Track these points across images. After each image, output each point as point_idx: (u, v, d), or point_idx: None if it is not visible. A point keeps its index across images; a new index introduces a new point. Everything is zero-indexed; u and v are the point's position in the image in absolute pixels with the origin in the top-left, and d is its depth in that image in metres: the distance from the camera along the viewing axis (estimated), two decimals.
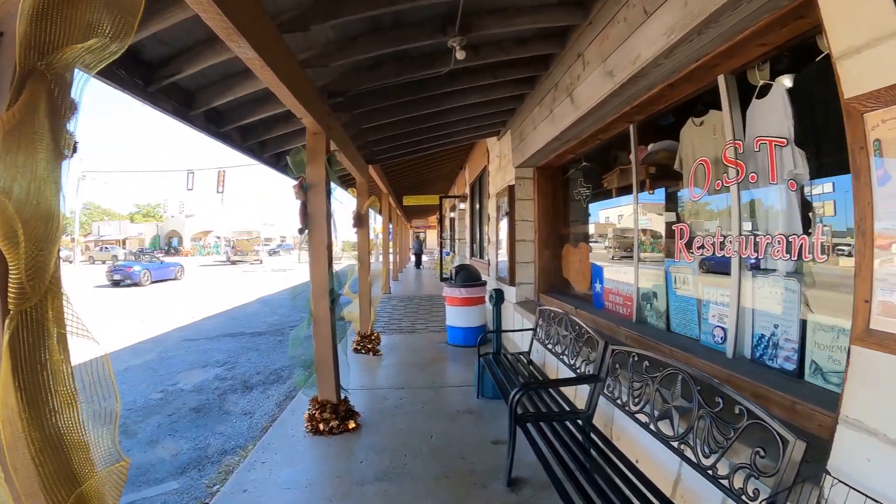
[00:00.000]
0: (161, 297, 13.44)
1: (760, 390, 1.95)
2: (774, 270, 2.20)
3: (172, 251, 42.26)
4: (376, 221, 10.12)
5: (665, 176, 3.44)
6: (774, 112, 2.21)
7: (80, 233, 47.99)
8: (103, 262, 30.65)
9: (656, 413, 2.07)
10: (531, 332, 3.98)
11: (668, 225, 3.28)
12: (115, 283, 16.71)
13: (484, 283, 5.69)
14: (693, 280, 2.85)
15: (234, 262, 29.67)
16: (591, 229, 4.50)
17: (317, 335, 3.26)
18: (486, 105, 4.61)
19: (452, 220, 13.41)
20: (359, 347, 5.45)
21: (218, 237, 44.73)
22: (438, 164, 9.38)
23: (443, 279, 10.33)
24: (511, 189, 5.19)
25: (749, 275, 2.37)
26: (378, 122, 4.28)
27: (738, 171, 2.36)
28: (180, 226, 44.36)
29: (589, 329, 2.92)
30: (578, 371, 2.93)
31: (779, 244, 2.12)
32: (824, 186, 2.03)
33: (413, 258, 23.07)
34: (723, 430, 1.64)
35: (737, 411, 1.61)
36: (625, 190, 3.92)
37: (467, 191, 9.53)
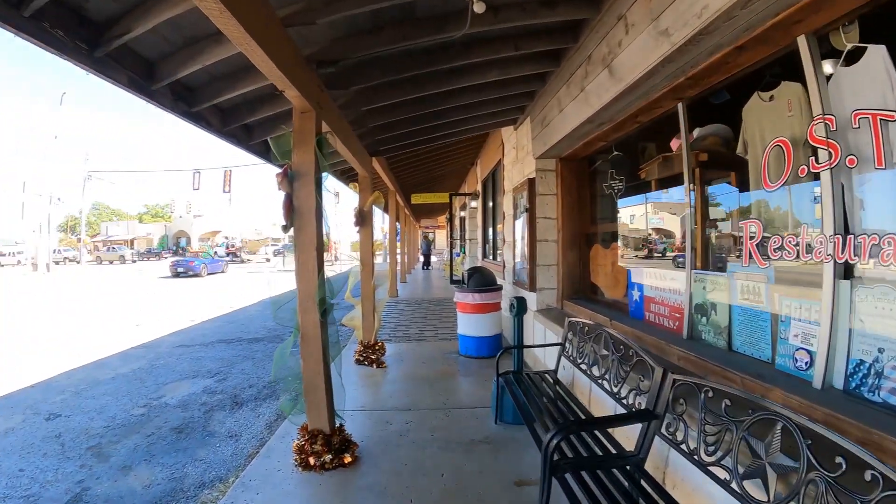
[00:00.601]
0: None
1: (872, 436, 1.46)
2: (883, 280, 1.65)
3: (181, 251, 42.20)
4: (384, 221, 9.61)
5: (717, 165, 2.90)
6: (874, 80, 1.69)
7: (89, 233, 48.29)
8: (110, 262, 30.79)
9: (741, 469, 1.53)
10: (558, 347, 3.43)
11: (726, 222, 2.74)
12: (177, 275, 21.13)
13: (500, 288, 5.15)
14: (766, 290, 2.29)
15: (244, 260, 29.71)
16: (625, 227, 3.94)
17: (305, 354, 2.74)
18: (504, 86, 4.06)
19: (463, 220, 12.85)
20: (361, 359, 4.93)
21: (226, 237, 44.61)
22: (448, 159, 8.85)
23: (453, 282, 9.79)
24: (531, 183, 4.64)
25: (846, 285, 1.81)
26: (380, 103, 3.75)
27: (830, 153, 1.82)
28: (188, 226, 44.29)
29: (638, 350, 2.36)
30: (624, 401, 2.37)
31: (890, 246, 1.59)
32: None
33: (421, 259, 22.52)
34: None
35: (868, 477, 1.13)
36: (667, 182, 3.37)
37: (479, 188, 8.98)
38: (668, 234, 3.44)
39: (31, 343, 7.56)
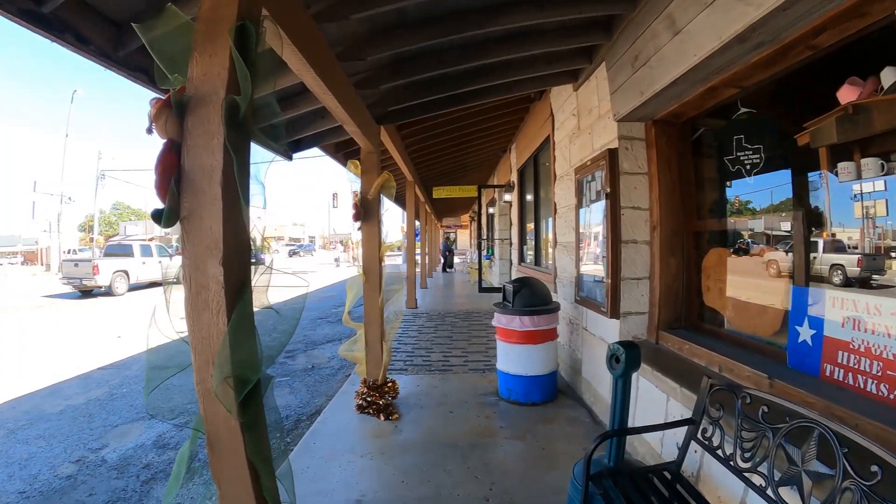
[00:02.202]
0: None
1: None
2: None
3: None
4: (403, 220, 8.16)
5: None
6: None
7: (110, 233, 48.47)
8: None
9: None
10: (686, 425, 1.95)
11: None
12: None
13: (557, 308, 3.68)
14: None
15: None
16: (772, 223, 2.48)
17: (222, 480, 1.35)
18: (563, 29, 2.62)
19: (491, 217, 11.34)
20: (364, 404, 3.53)
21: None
22: (475, 144, 7.39)
23: (482, 290, 8.31)
24: (611, 157, 3.16)
25: None
26: (392, 50, 2.35)
27: None
28: None
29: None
30: None
31: None
32: None
33: (441, 260, 20.99)
34: None
35: None
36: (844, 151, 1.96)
37: (514, 178, 7.49)
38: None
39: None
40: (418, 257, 13.39)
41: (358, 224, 3.37)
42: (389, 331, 3.62)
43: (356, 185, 3.41)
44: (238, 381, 1.31)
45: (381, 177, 3.29)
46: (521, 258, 7.20)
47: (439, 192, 9.67)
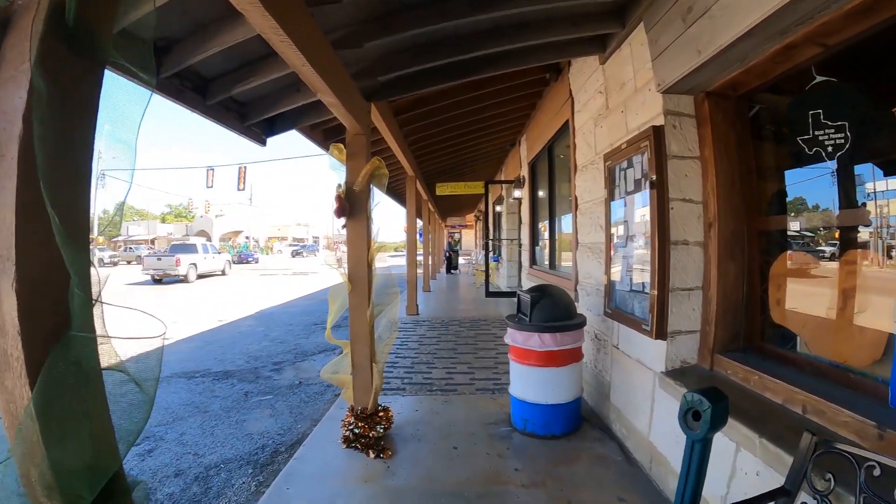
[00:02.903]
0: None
1: None
2: None
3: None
4: (408, 222, 7.53)
5: None
6: None
7: (112, 233, 48.12)
8: (127, 263, 30.22)
9: None
10: (776, 498, 1.34)
11: None
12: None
13: (583, 323, 3.06)
14: None
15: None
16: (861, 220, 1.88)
17: None
18: None
19: (498, 216, 10.70)
20: (352, 437, 2.94)
21: (247, 237, 43.63)
22: (482, 137, 6.79)
23: (490, 294, 7.70)
24: (657, 136, 2.55)
25: None
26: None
27: None
28: (209, 226, 43.48)
29: None
30: None
31: None
32: None
33: (444, 261, 20.32)
34: None
35: None
36: None
37: (524, 173, 6.87)
38: None
39: None
40: (420, 258, 12.81)
41: (343, 221, 2.77)
42: (382, 350, 3.02)
43: (341, 173, 2.82)
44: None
45: (371, 163, 2.69)
46: (533, 260, 6.57)
47: (443, 189, 9.06)
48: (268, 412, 4.27)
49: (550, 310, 2.90)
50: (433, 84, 3.08)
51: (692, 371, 2.59)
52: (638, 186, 2.75)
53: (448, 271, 18.97)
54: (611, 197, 3.10)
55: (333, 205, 2.63)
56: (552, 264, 5.36)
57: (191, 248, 19.27)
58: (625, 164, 2.91)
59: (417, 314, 7.36)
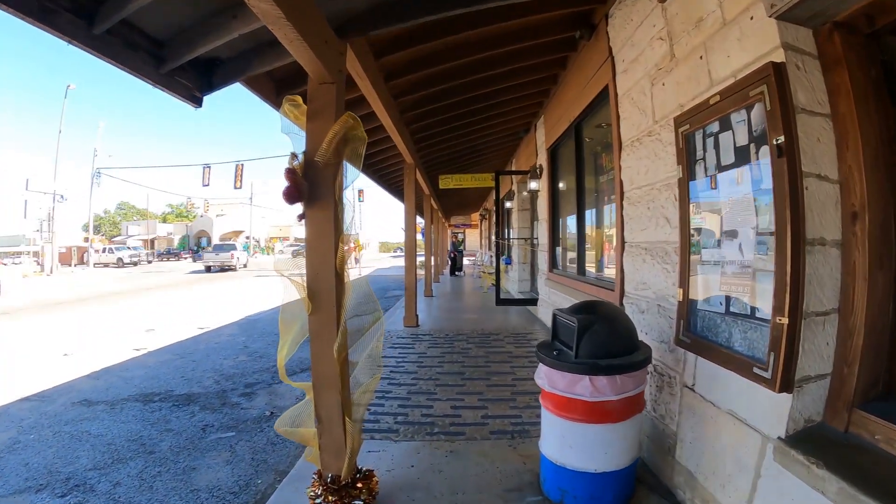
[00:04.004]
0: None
1: None
2: None
3: (201, 251, 40.32)
4: (406, 219, 6.48)
5: None
6: None
7: (114, 233, 47.50)
8: (105, 266, 30.75)
9: None
10: None
11: None
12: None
13: (649, 359, 2.13)
14: None
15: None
16: None
17: None
18: None
19: (508, 212, 9.73)
20: None
21: (248, 237, 42.74)
22: (493, 116, 5.86)
23: (501, 302, 6.74)
24: (778, 76, 1.63)
25: None
26: None
27: None
28: (209, 226, 42.56)
29: None
30: None
31: None
32: None
33: (448, 262, 19.33)
34: None
35: None
36: None
37: (542, 161, 5.92)
38: None
39: None
40: (422, 259, 11.85)
41: (300, 210, 1.86)
42: (360, 397, 2.10)
43: (299, 140, 1.92)
44: None
45: (340, 121, 1.79)
46: (554, 264, 5.59)
47: (446, 182, 8.11)
48: (225, 456, 3.38)
49: (606, 340, 1.97)
50: (428, 12, 2.16)
51: (820, 434, 1.69)
52: (743, 157, 1.83)
53: (452, 273, 18.00)
54: (689, 176, 2.17)
55: (283, 185, 1.73)
56: (581, 269, 4.39)
57: (231, 248, 26.94)
58: (715, 127, 1.99)
59: (417, 325, 6.38)
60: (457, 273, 18.06)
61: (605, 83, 3.41)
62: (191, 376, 5.44)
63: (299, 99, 1.95)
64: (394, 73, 3.49)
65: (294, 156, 1.83)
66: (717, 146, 2.01)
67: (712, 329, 2.05)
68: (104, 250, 31.58)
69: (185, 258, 37.91)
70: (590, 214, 4.29)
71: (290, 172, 1.74)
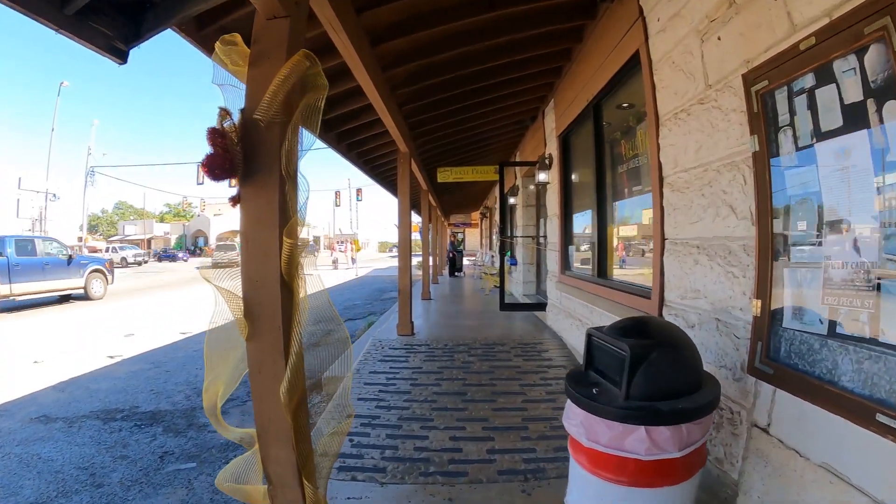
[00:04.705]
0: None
1: None
2: None
3: (198, 251, 39.71)
4: (400, 215, 5.85)
5: None
6: None
7: (112, 232, 46.92)
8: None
9: None
10: None
11: None
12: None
13: (717, 399, 1.57)
14: None
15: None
16: None
17: None
18: None
19: (512, 209, 9.13)
20: None
21: None
22: (497, 98, 5.29)
23: (505, 307, 6.16)
24: None
25: None
26: None
27: None
28: (206, 225, 41.91)
29: None
30: None
31: None
32: None
33: (447, 262, 18.73)
34: None
35: None
36: None
37: (553, 150, 5.36)
38: None
39: None
40: (420, 260, 11.28)
41: (233, 190, 1.32)
42: (330, 438, 1.55)
43: (234, 94, 1.37)
44: None
45: (291, 62, 1.24)
46: (566, 265, 5.00)
47: (445, 176, 7.53)
48: (180, 495, 2.84)
49: (669, 374, 1.41)
50: None
51: None
52: (855, 119, 1.28)
53: (451, 274, 17.43)
54: (769, 149, 1.62)
55: (205, 151, 1.18)
56: (601, 271, 3.80)
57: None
58: (809, 81, 1.44)
59: (412, 334, 5.75)
60: (456, 274, 17.50)
61: (634, 49, 2.86)
62: (161, 389, 4.90)
63: (239, 38, 1.40)
64: (383, 36, 2.93)
65: (226, 113, 1.29)
66: (812, 106, 1.46)
67: (806, 356, 1.50)
68: (107, 250, 31.19)
69: (183, 259, 36.91)
70: (613, 210, 3.69)
71: (216, 134, 1.19)
